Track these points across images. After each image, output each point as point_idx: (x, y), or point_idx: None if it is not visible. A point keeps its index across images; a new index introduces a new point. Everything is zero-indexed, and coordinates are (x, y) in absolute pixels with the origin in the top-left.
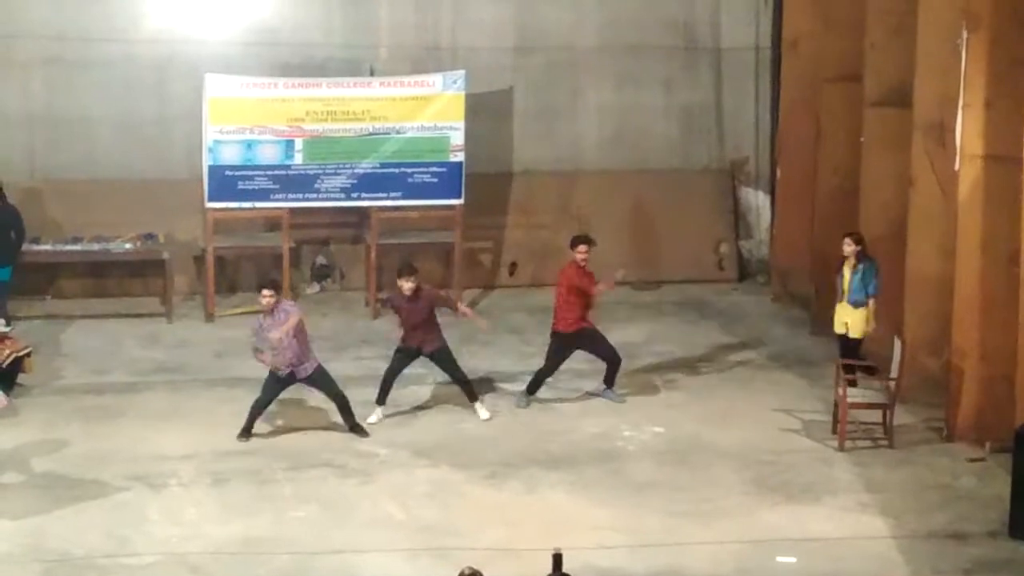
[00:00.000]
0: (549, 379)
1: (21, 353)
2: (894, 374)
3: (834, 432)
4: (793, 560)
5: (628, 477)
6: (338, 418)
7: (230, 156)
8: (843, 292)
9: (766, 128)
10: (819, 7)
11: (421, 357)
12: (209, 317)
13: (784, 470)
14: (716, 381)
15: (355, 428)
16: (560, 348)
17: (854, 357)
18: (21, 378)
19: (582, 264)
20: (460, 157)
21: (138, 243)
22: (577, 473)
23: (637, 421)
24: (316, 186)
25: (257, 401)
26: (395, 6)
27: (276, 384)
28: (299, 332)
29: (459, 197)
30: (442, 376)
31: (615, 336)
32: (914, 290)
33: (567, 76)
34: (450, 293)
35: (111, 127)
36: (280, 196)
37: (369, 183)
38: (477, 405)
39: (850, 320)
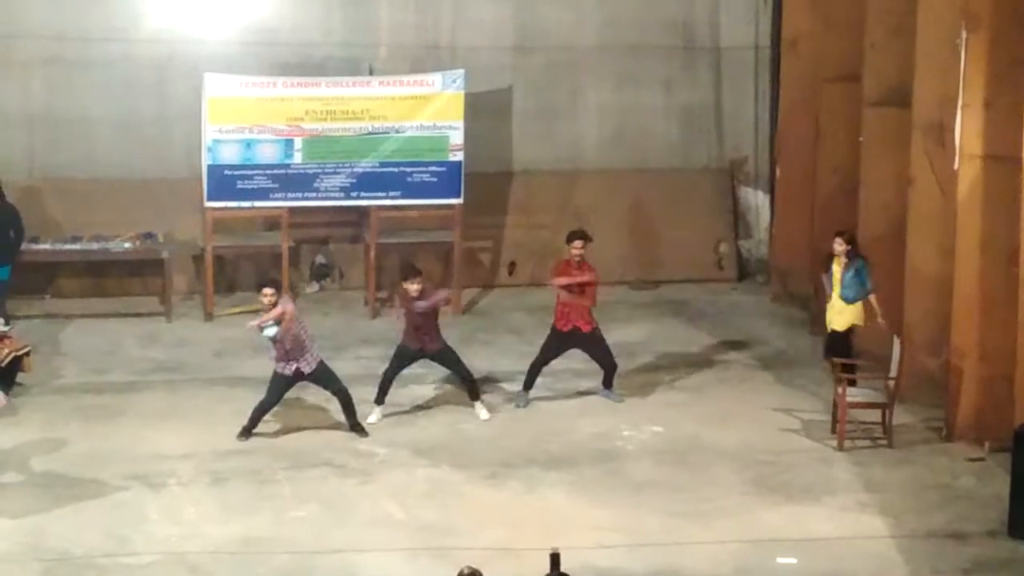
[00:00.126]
0: (547, 377)
1: (20, 352)
2: (893, 373)
3: (833, 432)
4: (793, 561)
5: (627, 477)
6: (338, 417)
7: (229, 155)
8: (832, 289)
9: (765, 128)
10: (819, 7)
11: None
12: (208, 316)
13: (783, 470)
14: (715, 381)
15: (355, 427)
16: (551, 342)
17: (838, 350)
18: (20, 377)
19: (575, 259)
20: (459, 156)
21: (137, 242)
22: (576, 473)
23: (636, 421)
24: (315, 185)
25: (262, 403)
26: (394, 5)
27: (282, 385)
28: (292, 322)
29: (458, 196)
30: (442, 376)
31: (614, 336)
32: (913, 290)
33: (567, 76)
34: (450, 293)
35: (110, 126)
36: (279, 195)
37: (368, 182)
38: (477, 405)
39: (840, 316)
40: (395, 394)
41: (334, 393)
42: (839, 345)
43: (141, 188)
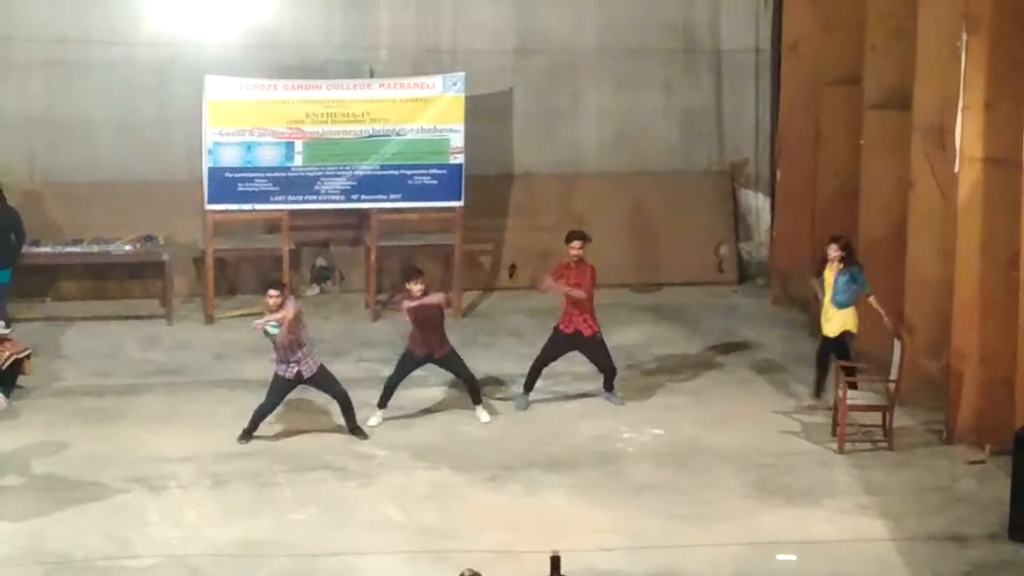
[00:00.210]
0: (547, 380)
1: (21, 355)
2: (894, 376)
3: (834, 434)
4: (793, 558)
5: (628, 479)
6: (338, 420)
7: (230, 158)
8: (823, 295)
9: (766, 130)
10: (819, 9)
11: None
12: (209, 319)
13: (784, 472)
14: (715, 383)
15: (355, 430)
16: (552, 343)
17: (829, 354)
18: (21, 380)
19: (573, 260)
20: (460, 159)
21: (138, 245)
22: (577, 475)
23: (637, 423)
24: (316, 188)
25: (262, 406)
26: (395, 8)
27: (282, 388)
28: (295, 324)
29: (459, 199)
30: (442, 379)
31: (614, 338)
32: (914, 292)
33: (567, 78)
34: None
35: (111, 129)
36: (280, 198)
37: (369, 185)
38: (478, 408)
39: (834, 321)
40: (395, 397)
41: (334, 397)
42: (831, 351)
43: (142, 191)
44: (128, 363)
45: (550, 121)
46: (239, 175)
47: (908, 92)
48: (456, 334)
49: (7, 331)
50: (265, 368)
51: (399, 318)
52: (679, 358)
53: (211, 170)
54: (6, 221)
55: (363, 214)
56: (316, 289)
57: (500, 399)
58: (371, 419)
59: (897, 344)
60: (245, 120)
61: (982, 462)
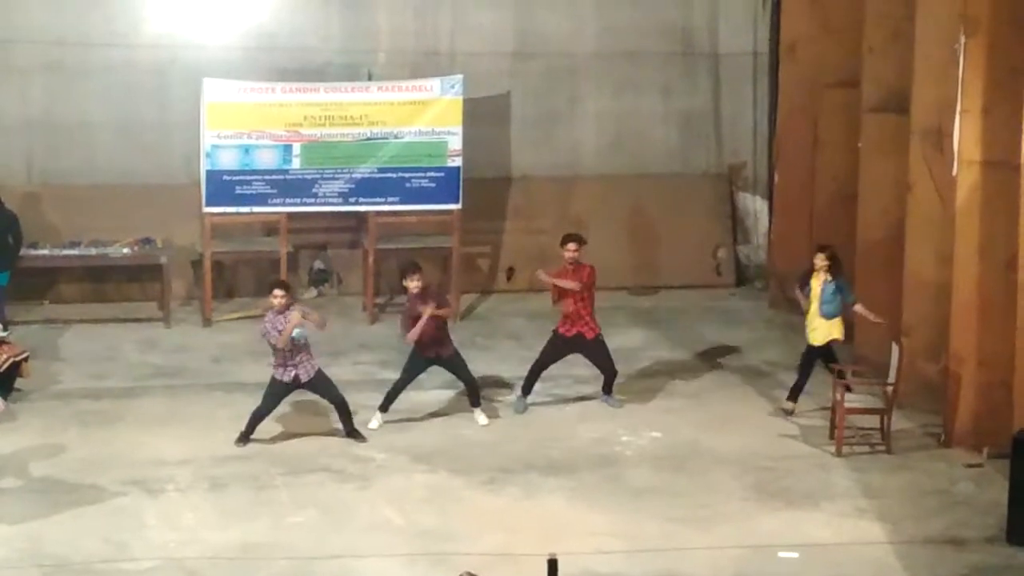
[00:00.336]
0: (546, 383)
1: (19, 358)
2: (892, 379)
3: (832, 438)
4: (795, 555)
5: (626, 483)
6: (336, 423)
7: (228, 161)
8: (807, 304)
9: (764, 133)
10: (817, 12)
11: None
12: (207, 322)
13: (782, 475)
14: (714, 386)
15: (353, 433)
16: (553, 346)
17: (811, 365)
18: (19, 383)
19: (569, 263)
20: (458, 162)
21: (136, 248)
22: (575, 479)
23: (635, 426)
24: (314, 191)
25: (259, 409)
26: (393, 11)
27: (279, 392)
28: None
29: (457, 202)
30: (440, 382)
31: (613, 341)
32: (912, 295)
33: (565, 82)
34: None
35: (110, 132)
36: (278, 201)
37: (367, 188)
38: (477, 411)
39: (819, 330)
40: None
41: (331, 401)
42: (816, 359)
43: (140, 193)
44: (126, 366)
45: (548, 124)
46: (237, 178)
47: (906, 95)
48: (454, 337)
49: (5, 334)
50: (263, 371)
51: (397, 322)
52: (677, 361)
53: (209, 173)
54: (4, 224)
55: (361, 217)
56: (314, 292)
57: (498, 402)
58: (371, 422)
59: (895, 347)
60: (243, 123)
61: (980, 465)
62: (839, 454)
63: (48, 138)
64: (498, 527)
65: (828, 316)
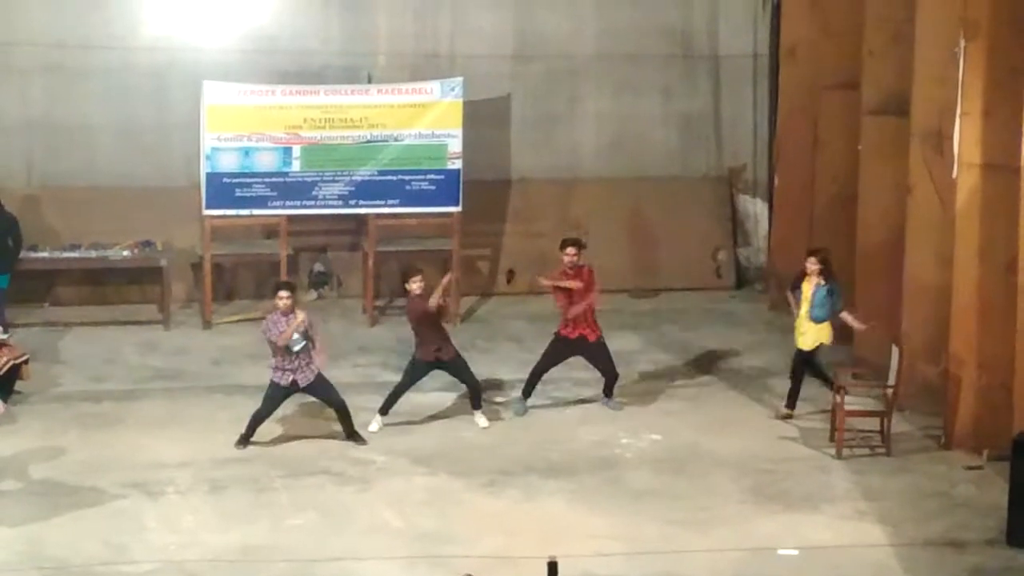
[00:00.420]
0: (546, 385)
1: (19, 360)
2: (892, 382)
3: (832, 440)
4: (795, 552)
5: (626, 485)
6: (336, 426)
7: (228, 163)
8: (799, 308)
9: (764, 136)
10: (817, 15)
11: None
12: (207, 324)
13: (782, 478)
14: (713, 389)
15: (353, 436)
16: (555, 349)
17: (802, 369)
18: (19, 385)
19: (569, 268)
20: (458, 164)
21: (135, 250)
22: (575, 481)
23: (635, 429)
24: (314, 193)
25: (257, 412)
26: (393, 14)
27: (277, 396)
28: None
29: (457, 204)
30: (440, 384)
31: (613, 344)
32: (912, 298)
33: (565, 84)
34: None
35: (110, 134)
36: (278, 203)
37: (367, 190)
38: (477, 413)
39: (807, 335)
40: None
41: (330, 405)
42: (806, 363)
43: (140, 196)
44: (126, 368)
45: (548, 126)
46: (237, 180)
47: (906, 97)
48: (454, 340)
49: (5, 336)
50: (263, 373)
51: (397, 324)
52: (677, 364)
53: (209, 175)
54: (4, 226)
55: (361, 219)
56: (314, 294)
57: (498, 404)
58: (371, 425)
59: (895, 349)
60: (243, 125)
61: (980, 467)
62: (839, 456)
63: (48, 140)
64: (498, 530)
65: (818, 320)
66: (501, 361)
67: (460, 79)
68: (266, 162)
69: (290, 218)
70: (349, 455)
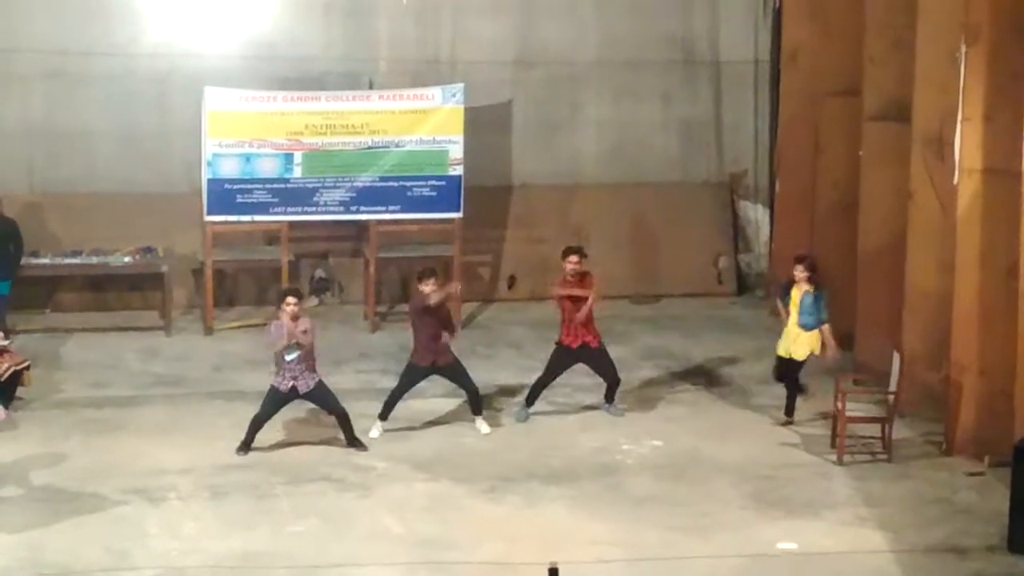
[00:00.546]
0: (546, 391)
1: (20, 366)
2: (893, 388)
3: (833, 446)
4: (794, 546)
5: (627, 491)
6: (337, 432)
7: (229, 170)
8: (787, 315)
9: (765, 142)
10: (818, 20)
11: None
12: (208, 331)
13: (783, 484)
14: (714, 395)
15: (354, 442)
16: (559, 360)
17: (794, 378)
18: (20, 391)
19: (571, 276)
20: (459, 170)
21: (137, 257)
22: (576, 487)
23: (636, 435)
24: (315, 199)
25: (257, 416)
26: (394, 20)
27: (277, 400)
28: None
29: (458, 210)
30: (441, 390)
31: (614, 350)
32: (913, 304)
33: (566, 90)
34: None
35: (111, 141)
36: (279, 209)
37: (368, 196)
38: (478, 420)
39: (795, 342)
40: (395, 408)
41: (330, 413)
42: (797, 370)
43: (141, 202)
44: (127, 375)
45: (549, 132)
46: (238, 186)
47: (907, 103)
48: (455, 345)
49: (6, 342)
50: (264, 380)
51: (398, 331)
52: (678, 370)
53: (210, 181)
54: (5, 232)
55: (362, 225)
56: (315, 301)
57: (500, 410)
58: (371, 431)
59: (896, 355)
60: (244, 132)
61: (981, 474)
62: (840, 463)
63: (49, 147)
64: (499, 536)
65: (807, 327)
66: (501, 367)
67: (461, 85)
68: (267, 168)
69: (291, 224)
70: (350, 461)
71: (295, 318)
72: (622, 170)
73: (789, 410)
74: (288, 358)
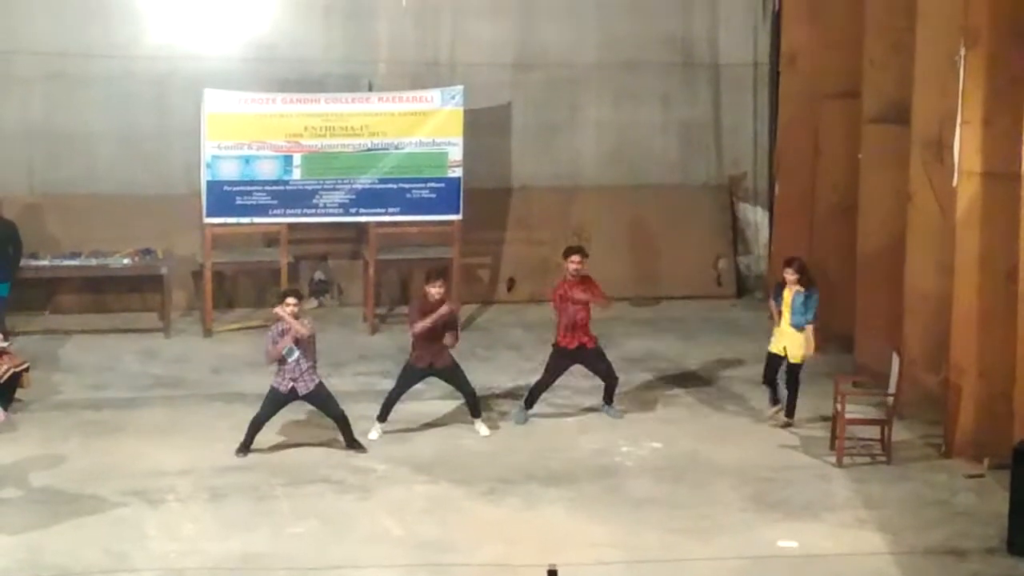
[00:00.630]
0: (545, 393)
1: (19, 368)
2: (892, 390)
3: (832, 448)
4: (795, 544)
5: (626, 493)
6: (336, 434)
7: (228, 171)
8: (780, 316)
9: (764, 144)
10: (818, 23)
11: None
12: (207, 332)
13: (782, 486)
14: (714, 397)
15: (353, 445)
16: (558, 362)
17: (795, 380)
18: (19, 393)
19: (573, 275)
20: (458, 172)
21: (136, 258)
22: (576, 489)
23: (635, 437)
24: (314, 201)
25: (256, 417)
26: (394, 22)
27: (276, 401)
28: (309, 345)
29: (457, 212)
30: (441, 392)
31: (613, 352)
32: (912, 306)
33: (566, 92)
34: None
35: (110, 142)
36: (278, 211)
37: (367, 198)
38: (478, 422)
39: (789, 343)
40: (394, 410)
41: (329, 415)
42: (795, 371)
43: (140, 204)
44: (126, 376)
45: (548, 135)
46: (237, 188)
47: (907, 106)
48: (454, 348)
49: (6, 344)
50: (263, 381)
51: (397, 333)
52: (677, 372)
53: (210, 183)
54: (4, 234)
55: (361, 227)
56: (314, 303)
57: (499, 413)
58: (371, 432)
59: (895, 358)
60: (244, 133)
61: (981, 476)
62: (839, 465)
63: (49, 148)
64: (498, 538)
65: (798, 327)
66: (501, 369)
67: (461, 87)
68: (267, 170)
69: (291, 226)
70: (349, 463)
71: (295, 319)
72: (621, 172)
73: (790, 411)
74: (289, 359)
